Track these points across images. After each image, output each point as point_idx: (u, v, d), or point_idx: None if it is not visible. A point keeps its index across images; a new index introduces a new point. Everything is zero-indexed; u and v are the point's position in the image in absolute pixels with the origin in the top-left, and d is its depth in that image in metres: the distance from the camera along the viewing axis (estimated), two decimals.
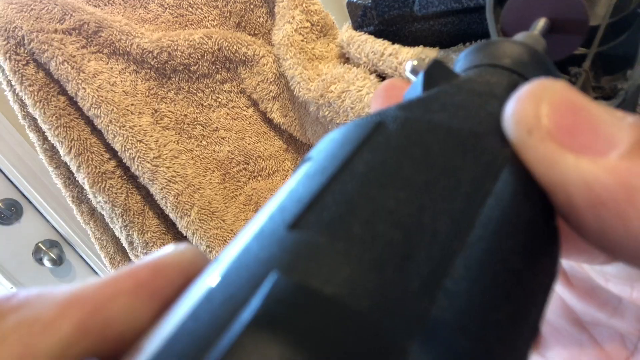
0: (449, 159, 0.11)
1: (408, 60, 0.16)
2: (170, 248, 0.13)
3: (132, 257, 0.69)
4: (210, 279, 0.10)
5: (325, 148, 0.12)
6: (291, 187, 0.11)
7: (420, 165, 0.10)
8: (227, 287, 0.09)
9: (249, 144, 0.65)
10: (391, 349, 0.08)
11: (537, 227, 0.11)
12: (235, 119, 0.65)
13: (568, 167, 0.11)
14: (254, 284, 0.09)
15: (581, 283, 0.18)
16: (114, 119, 0.59)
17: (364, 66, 0.50)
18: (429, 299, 0.08)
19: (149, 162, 0.59)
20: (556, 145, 0.11)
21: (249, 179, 0.66)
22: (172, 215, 0.61)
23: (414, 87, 0.15)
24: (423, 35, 0.49)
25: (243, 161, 0.66)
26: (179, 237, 0.68)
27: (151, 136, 0.60)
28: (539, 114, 0.11)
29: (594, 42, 0.30)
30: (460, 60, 0.17)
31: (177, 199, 0.60)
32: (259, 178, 0.66)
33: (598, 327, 0.18)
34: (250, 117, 0.66)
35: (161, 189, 0.60)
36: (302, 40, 0.56)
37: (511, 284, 0.10)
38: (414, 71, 0.17)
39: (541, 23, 0.24)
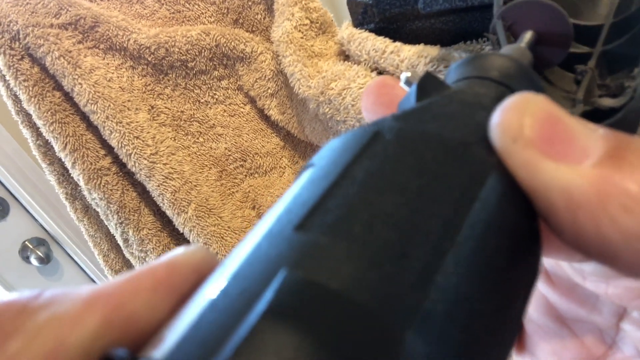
0: (440, 167, 0.12)
1: (402, 72, 0.17)
2: (183, 249, 0.14)
3: (127, 255, 0.68)
4: (224, 275, 0.10)
5: (326, 155, 0.13)
6: (296, 191, 0.12)
7: (414, 172, 0.11)
8: (241, 282, 0.10)
9: (246, 141, 0.65)
10: (389, 336, 0.09)
11: (519, 228, 0.12)
12: (232, 116, 0.65)
13: (549, 172, 0.12)
14: (266, 279, 0.09)
15: (562, 281, 0.19)
16: (111, 115, 0.58)
17: (365, 64, 0.50)
18: (423, 292, 0.09)
19: (145, 159, 0.59)
20: (538, 152, 0.12)
21: (245, 175, 0.66)
22: (169, 212, 0.61)
23: (408, 97, 0.16)
24: (424, 34, 0.49)
25: (240, 158, 0.65)
26: (174, 234, 0.67)
27: (148, 132, 0.60)
28: (523, 124, 0.12)
29: (599, 41, 0.30)
30: (450, 72, 0.18)
31: (174, 195, 0.60)
32: (256, 175, 0.66)
33: (578, 323, 0.19)
34: (248, 114, 0.65)
35: (158, 186, 0.59)
36: (302, 38, 0.56)
37: (496, 279, 0.11)
38: (408, 82, 0.18)
39: (528, 36, 0.25)
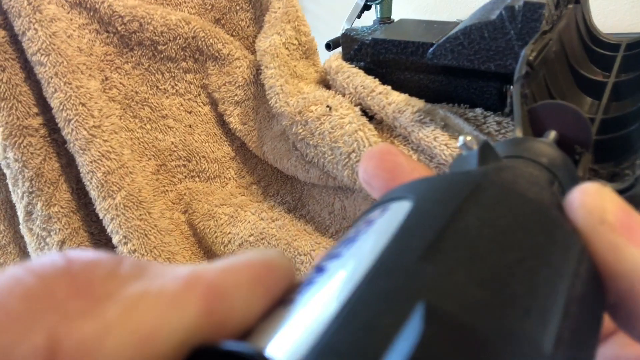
0: (547, 234, 0.13)
1: (461, 135, 0.19)
2: (274, 251, 0.13)
3: (24, 230, 0.60)
4: (340, 293, 0.10)
5: (424, 194, 0.13)
6: (402, 222, 0.12)
7: (526, 231, 0.12)
8: (369, 304, 0.10)
9: (196, 141, 0.62)
10: None
11: (601, 306, 0.13)
12: (188, 112, 0.62)
13: (633, 256, 0.13)
14: (402, 307, 0.09)
15: None
16: (61, 73, 0.52)
17: (349, 97, 0.50)
18: (548, 349, 0.10)
19: (86, 130, 0.53)
20: (622, 237, 0.13)
21: (185, 177, 0.62)
22: (93, 194, 0.55)
23: (466, 159, 0.18)
24: (409, 86, 0.51)
25: (185, 157, 0.62)
26: (88, 220, 0.61)
27: (96, 103, 0.54)
28: (605, 209, 0.13)
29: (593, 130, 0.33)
30: (500, 145, 0.21)
31: (105, 177, 0.54)
32: (197, 179, 0.62)
33: None
34: (205, 115, 0.63)
35: (91, 162, 0.54)
36: (288, 55, 0.56)
37: (590, 347, 0.12)
38: (465, 145, 0.19)
39: (552, 135, 0.27)
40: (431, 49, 0.42)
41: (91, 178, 0.54)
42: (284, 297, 0.12)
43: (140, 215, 0.56)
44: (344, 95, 0.51)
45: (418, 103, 0.47)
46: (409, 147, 0.46)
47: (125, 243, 0.56)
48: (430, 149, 0.43)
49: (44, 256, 0.10)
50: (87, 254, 0.10)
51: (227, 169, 0.63)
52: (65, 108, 0.52)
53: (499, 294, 0.10)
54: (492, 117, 0.45)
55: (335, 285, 0.11)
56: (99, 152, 0.54)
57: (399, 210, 0.13)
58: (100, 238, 0.61)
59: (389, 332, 0.09)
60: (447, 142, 0.43)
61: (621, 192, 0.28)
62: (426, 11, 1.25)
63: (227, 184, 0.63)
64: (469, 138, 0.19)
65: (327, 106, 0.49)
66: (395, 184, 0.17)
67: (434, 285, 0.10)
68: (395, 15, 0.66)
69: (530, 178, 0.17)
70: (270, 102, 0.53)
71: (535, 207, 0.13)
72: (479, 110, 0.46)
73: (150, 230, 0.56)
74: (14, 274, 0.09)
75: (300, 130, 0.50)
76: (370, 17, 0.69)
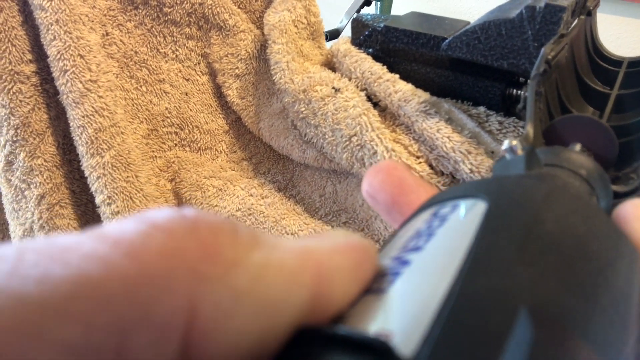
0: (616, 246, 0.13)
1: (506, 140, 0.19)
2: (360, 236, 0.13)
3: (1, 180, 0.57)
4: (438, 286, 0.10)
5: (498, 195, 0.13)
6: (482, 221, 0.12)
7: (600, 243, 0.13)
8: (471, 302, 0.10)
9: (191, 110, 0.61)
10: None
11: None
12: (186, 80, 0.61)
13: None
14: (508, 314, 0.09)
15: None
16: (62, 20, 0.50)
17: (355, 81, 0.50)
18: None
19: (81, 83, 0.52)
20: None
21: (176, 145, 0.61)
22: (82, 149, 0.53)
23: (512, 163, 0.19)
24: (415, 77, 0.51)
25: (177, 124, 0.60)
26: (70, 176, 0.59)
27: (94, 57, 0.53)
28: None
29: None
30: (538, 153, 0.21)
31: (97, 133, 0.53)
32: (187, 149, 0.61)
33: None
34: (203, 84, 0.62)
35: (83, 117, 0.52)
36: (296, 33, 0.55)
37: None
38: (510, 148, 0.20)
39: (577, 147, 0.28)
40: (446, 41, 0.42)
41: (81, 133, 0.53)
42: (370, 285, 0.11)
43: (127, 177, 0.55)
44: (349, 79, 0.51)
45: (424, 94, 0.47)
46: (411, 136, 0.46)
47: (109, 204, 0.54)
48: (432, 140, 0.44)
49: (160, 211, 0.10)
50: (210, 216, 0.10)
51: (219, 142, 0.62)
52: (62, 58, 0.51)
53: (588, 302, 0.11)
54: (494, 116, 0.46)
55: (430, 278, 0.11)
56: (93, 107, 0.52)
57: (475, 209, 0.13)
58: (80, 197, 0.60)
59: (500, 334, 0.09)
60: (449, 134, 0.43)
61: (627, 194, 0.29)
62: None
63: (217, 157, 0.62)
64: (514, 142, 0.20)
65: (334, 88, 0.49)
66: (402, 199, 0.18)
67: (532, 289, 0.10)
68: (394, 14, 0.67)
69: (573, 189, 0.17)
70: (274, 78, 0.53)
71: (603, 218, 0.14)
72: (482, 109, 0.47)
73: (136, 194, 0.55)
74: (138, 228, 0.09)
75: (303, 109, 0.50)
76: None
